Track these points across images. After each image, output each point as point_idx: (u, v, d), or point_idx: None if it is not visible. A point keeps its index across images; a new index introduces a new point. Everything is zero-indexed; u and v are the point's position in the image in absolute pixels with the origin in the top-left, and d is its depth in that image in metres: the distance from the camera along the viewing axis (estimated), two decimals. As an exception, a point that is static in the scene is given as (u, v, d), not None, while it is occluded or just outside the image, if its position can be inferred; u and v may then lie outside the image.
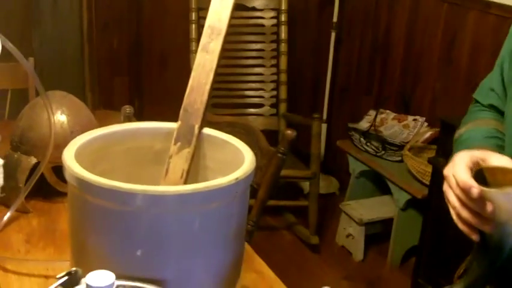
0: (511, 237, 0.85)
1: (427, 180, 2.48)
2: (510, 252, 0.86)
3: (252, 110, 3.16)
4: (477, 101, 1.17)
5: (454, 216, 0.91)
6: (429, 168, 2.43)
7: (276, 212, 3.11)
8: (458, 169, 0.88)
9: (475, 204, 0.87)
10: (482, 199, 0.85)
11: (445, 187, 0.92)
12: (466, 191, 0.86)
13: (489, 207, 0.85)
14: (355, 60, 3.39)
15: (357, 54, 3.37)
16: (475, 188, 0.85)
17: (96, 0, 3.06)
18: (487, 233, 0.88)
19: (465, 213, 0.89)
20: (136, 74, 3.30)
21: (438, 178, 2.31)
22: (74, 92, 1.55)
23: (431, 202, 2.38)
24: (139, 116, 1.72)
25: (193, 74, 1.07)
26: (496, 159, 0.89)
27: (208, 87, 1.05)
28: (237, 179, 0.87)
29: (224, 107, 3.08)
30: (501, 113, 1.09)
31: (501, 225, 0.85)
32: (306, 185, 3.18)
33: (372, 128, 2.91)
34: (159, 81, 3.34)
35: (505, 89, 1.07)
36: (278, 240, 2.99)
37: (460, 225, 0.91)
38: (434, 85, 2.83)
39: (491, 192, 0.84)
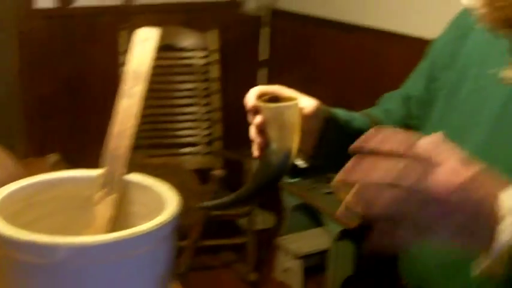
0: (274, 155, 0.90)
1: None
2: (274, 170, 0.91)
3: (186, 150, 3.16)
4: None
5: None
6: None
7: (215, 251, 3.09)
8: (251, 90, 0.97)
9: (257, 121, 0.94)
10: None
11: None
12: (246, 106, 0.95)
13: (257, 118, 0.93)
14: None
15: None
16: (250, 101, 0.94)
17: (29, 40, 3.02)
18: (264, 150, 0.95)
19: (252, 132, 0.96)
20: (70, 116, 3.25)
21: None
22: (4, 137, 1.52)
23: (363, 231, 2.42)
24: (74, 161, 1.70)
25: (116, 119, 1.07)
26: (288, 91, 0.97)
27: (131, 132, 1.06)
28: (160, 224, 0.87)
29: (158, 147, 3.07)
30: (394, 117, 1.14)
31: (269, 141, 0.91)
32: (243, 222, 3.18)
33: (304, 162, 2.95)
34: (95, 123, 3.29)
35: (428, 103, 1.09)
36: (216, 280, 2.96)
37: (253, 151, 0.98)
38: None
39: (260, 105, 0.92)
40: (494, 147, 0.91)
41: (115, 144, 1.05)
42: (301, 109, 0.94)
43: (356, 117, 1.10)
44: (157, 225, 0.87)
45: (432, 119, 1.05)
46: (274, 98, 0.95)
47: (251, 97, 0.95)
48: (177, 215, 0.92)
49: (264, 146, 0.94)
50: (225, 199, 0.97)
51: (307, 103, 0.97)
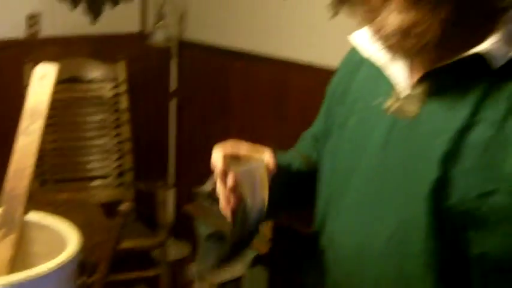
0: (249, 211, 0.95)
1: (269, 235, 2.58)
2: (252, 225, 0.96)
3: (97, 182, 3.11)
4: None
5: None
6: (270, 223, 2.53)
7: (128, 284, 3.04)
8: (214, 153, 0.99)
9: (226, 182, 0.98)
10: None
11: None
12: (214, 168, 0.98)
13: (229, 181, 0.96)
14: (199, 125, 3.47)
15: (199, 118, 3.46)
16: (219, 164, 0.96)
17: None
18: (235, 209, 0.98)
19: (222, 193, 0.99)
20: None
21: (278, 233, 2.43)
22: None
23: (274, 256, 2.48)
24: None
25: (14, 157, 1.06)
26: (248, 147, 1.01)
27: (30, 171, 1.04)
28: (60, 264, 0.86)
29: (68, 181, 3.00)
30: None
31: (243, 199, 0.96)
32: (157, 253, 3.15)
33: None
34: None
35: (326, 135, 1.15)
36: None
37: (224, 210, 1.01)
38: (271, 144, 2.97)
39: (231, 167, 0.96)
40: (383, 173, 0.97)
41: (13, 184, 1.04)
42: (266, 164, 0.99)
43: (292, 158, 1.18)
44: (57, 265, 0.86)
45: (326, 153, 1.10)
46: (235, 156, 0.99)
47: (218, 161, 0.98)
48: (78, 253, 0.91)
49: (238, 205, 0.97)
50: (208, 264, 1.00)
51: (268, 157, 1.01)
